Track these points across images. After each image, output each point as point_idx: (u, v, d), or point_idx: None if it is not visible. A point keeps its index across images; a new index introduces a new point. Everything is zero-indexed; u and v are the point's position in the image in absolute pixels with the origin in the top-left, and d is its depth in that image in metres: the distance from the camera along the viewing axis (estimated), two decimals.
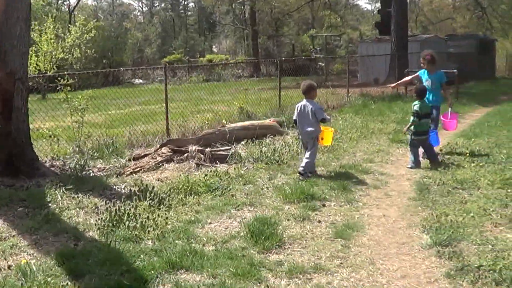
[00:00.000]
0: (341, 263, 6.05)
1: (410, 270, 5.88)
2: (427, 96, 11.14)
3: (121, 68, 31.79)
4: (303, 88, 10.20)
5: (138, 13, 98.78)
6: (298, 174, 9.74)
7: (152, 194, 8.32)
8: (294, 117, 10.34)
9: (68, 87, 12.78)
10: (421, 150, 10.76)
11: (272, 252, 6.36)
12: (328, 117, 10.19)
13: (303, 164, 9.78)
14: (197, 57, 61.99)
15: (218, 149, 11.35)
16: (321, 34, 55.08)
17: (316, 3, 56.18)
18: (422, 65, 11.96)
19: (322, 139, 10.09)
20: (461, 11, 60.15)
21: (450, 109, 12.00)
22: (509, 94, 27.12)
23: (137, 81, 43.40)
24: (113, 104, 18.37)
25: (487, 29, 44.34)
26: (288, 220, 7.48)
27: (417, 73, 12.23)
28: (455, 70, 22.67)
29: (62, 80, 14.73)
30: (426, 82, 11.60)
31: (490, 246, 6.36)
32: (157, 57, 65.86)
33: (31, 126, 10.53)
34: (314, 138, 10.00)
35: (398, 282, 5.60)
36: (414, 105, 10.66)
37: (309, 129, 9.96)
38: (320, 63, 42.63)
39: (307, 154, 9.88)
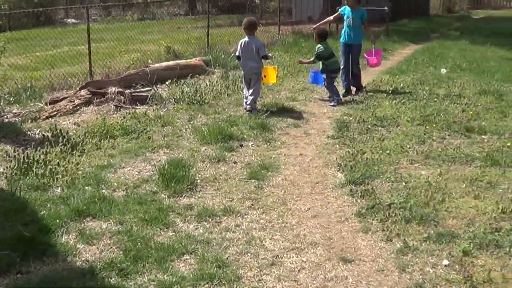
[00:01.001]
0: (252, 204, 5.94)
1: (322, 210, 5.82)
2: (347, 33, 11.53)
3: (41, 9, 30.81)
4: (245, 24, 10.22)
5: None
6: (246, 111, 9.85)
7: (65, 139, 8.02)
8: (237, 53, 10.33)
9: None
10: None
11: (183, 195, 6.21)
12: (270, 54, 10.47)
13: (248, 101, 9.91)
14: None
15: (138, 90, 11.04)
16: None
17: None
18: (346, 1, 11.73)
19: (265, 76, 10.22)
20: None
21: (373, 46, 12.05)
22: (440, 31, 27.23)
23: (70, 20, 42.10)
24: (41, 45, 17.71)
25: None
26: (203, 161, 7.33)
27: (339, 11, 11.99)
28: (385, 8, 22.62)
29: None
30: (348, 20, 11.50)
31: (403, 184, 6.35)
32: None
33: None
34: (257, 73, 10.08)
35: (308, 222, 5.53)
36: (318, 48, 10.90)
37: (252, 64, 10.03)
38: (256, 1, 42.08)
39: (251, 91, 9.96)
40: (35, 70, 14.80)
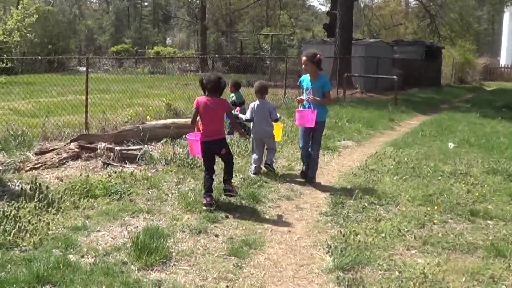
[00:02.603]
0: (227, 286, 5.41)
1: None
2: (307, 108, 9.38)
3: (52, 56, 30.76)
4: (257, 88, 10.11)
5: (94, 0, 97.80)
6: (266, 169, 9.91)
7: (42, 195, 7.55)
8: (249, 117, 10.06)
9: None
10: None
11: (155, 269, 5.68)
12: (278, 115, 10.24)
13: (268, 160, 10.07)
14: (146, 49, 61.15)
15: (129, 148, 10.60)
16: (268, 33, 54.49)
17: (271, 2, 55.89)
18: (303, 66, 9.47)
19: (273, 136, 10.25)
20: (411, 17, 60.42)
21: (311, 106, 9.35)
22: (450, 102, 26.99)
23: (82, 68, 42.26)
24: (47, 92, 17.55)
25: (434, 36, 44.39)
26: (183, 231, 6.81)
27: (298, 82, 9.98)
28: (394, 77, 22.37)
29: (1, 63, 13.95)
30: (307, 92, 9.41)
31: (396, 273, 5.81)
32: (110, 45, 65.07)
33: None
34: (271, 136, 10.12)
35: None
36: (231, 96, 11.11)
37: (267, 128, 10.04)
38: (267, 62, 42.12)
39: (269, 151, 10.14)
40: (34, 116, 14.51)
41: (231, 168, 8.23)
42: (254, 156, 10.04)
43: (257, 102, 10.02)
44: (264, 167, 9.99)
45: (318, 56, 9.30)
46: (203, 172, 8.24)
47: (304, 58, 9.39)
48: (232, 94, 13.11)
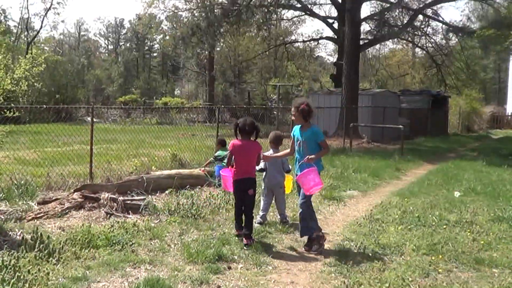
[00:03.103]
0: None
1: None
2: (299, 161, 8.66)
3: (58, 105, 30.90)
4: (272, 138, 10.24)
5: (104, 50, 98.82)
6: (283, 223, 9.90)
7: (43, 245, 7.50)
8: (262, 166, 9.96)
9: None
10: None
11: None
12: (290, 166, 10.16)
13: (283, 214, 10.09)
14: (154, 99, 61.55)
15: (132, 198, 10.55)
16: (276, 83, 54.75)
17: (278, 53, 56.31)
18: (292, 117, 8.99)
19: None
20: (417, 67, 60.72)
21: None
22: (457, 151, 26.93)
23: (89, 119, 42.44)
24: (53, 141, 17.60)
25: (441, 86, 44.54)
26: (185, 283, 6.73)
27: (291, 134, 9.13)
28: (401, 126, 22.37)
29: (8, 112, 14.02)
30: (297, 143, 8.75)
31: None
32: (118, 95, 65.53)
33: None
34: (283, 187, 10.13)
35: None
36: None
37: (280, 178, 10.10)
38: (274, 112, 42.23)
39: (280, 204, 10.12)
40: (38, 166, 14.53)
41: (251, 213, 8.73)
42: (263, 204, 10.05)
43: (270, 151, 10.09)
44: (282, 222, 9.96)
45: (303, 105, 8.54)
46: (234, 208, 9.14)
47: (292, 108, 8.80)
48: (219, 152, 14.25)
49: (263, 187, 10.23)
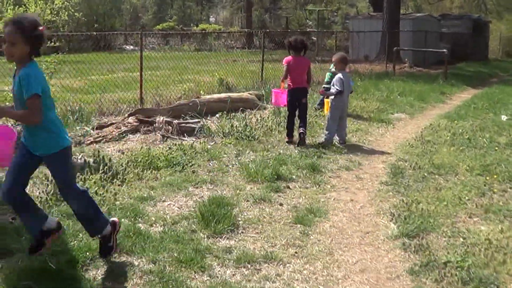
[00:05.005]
0: (296, 252, 5.50)
1: (371, 264, 5.34)
2: None
3: (95, 32, 31.02)
4: (342, 58, 10.50)
5: None
6: (341, 144, 10.13)
7: (107, 167, 7.74)
8: (340, 88, 10.15)
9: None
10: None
11: (223, 237, 5.80)
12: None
13: (344, 134, 10.38)
14: (191, 26, 61.21)
15: (187, 121, 10.72)
16: (314, 8, 54.09)
17: None
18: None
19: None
20: None
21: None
22: (499, 76, 26.66)
23: (129, 47, 42.52)
24: (96, 69, 17.75)
25: (481, 10, 43.66)
26: (247, 201, 6.93)
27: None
28: (445, 50, 22.16)
29: (49, 42, 14.16)
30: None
31: (461, 240, 5.83)
32: (153, 23, 65.08)
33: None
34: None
35: (355, 276, 5.07)
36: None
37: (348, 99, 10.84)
38: (313, 38, 41.88)
39: (343, 127, 10.42)
40: (87, 93, 14.75)
41: (306, 117, 10.21)
42: (334, 126, 10.16)
43: (342, 75, 10.22)
44: (341, 143, 10.11)
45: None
46: (286, 117, 10.38)
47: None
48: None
49: (332, 110, 10.27)
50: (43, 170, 7.64)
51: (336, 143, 10.11)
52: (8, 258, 5.07)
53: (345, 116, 10.43)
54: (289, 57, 10.05)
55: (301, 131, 9.86)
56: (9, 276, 4.72)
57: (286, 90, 10.18)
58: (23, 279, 4.63)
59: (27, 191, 5.12)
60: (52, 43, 14.19)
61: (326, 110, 10.69)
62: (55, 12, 31.01)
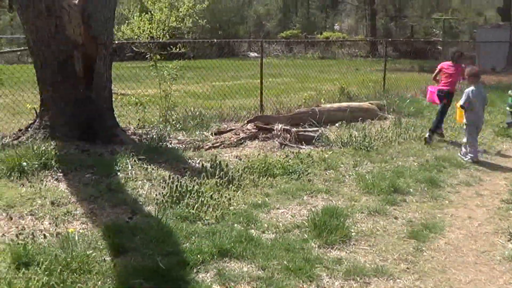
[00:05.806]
0: (407, 268, 5.37)
1: (484, 285, 5.14)
2: None
3: (216, 39, 31.57)
4: (474, 72, 10.13)
5: None
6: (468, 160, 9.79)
7: (222, 172, 7.86)
8: (461, 103, 9.97)
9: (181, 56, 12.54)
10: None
11: (334, 247, 5.76)
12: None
13: (480, 152, 10.17)
14: (315, 34, 61.32)
15: (305, 129, 10.72)
16: (440, 17, 52.93)
17: None
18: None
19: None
20: None
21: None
22: None
23: (253, 54, 43.12)
24: (219, 76, 18.10)
25: None
26: (362, 213, 6.84)
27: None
28: None
29: (174, 48, 14.59)
30: None
31: None
32: (277, 31, 65.63)
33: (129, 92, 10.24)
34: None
35: None
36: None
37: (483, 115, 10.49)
38: (438, 47, 41.06)
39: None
40: (208, 99, 15.00)
41: (437, 119, 11.29)
42: (474, 142, 9.88)
43: (472, 87, 9.87)
44: (473, 161, 9.69)
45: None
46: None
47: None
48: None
49: (468, 126, 9.99)
50: (160, 173, 7.89)
51: (468, 159, 9.78)
52: (122, 256, 5.23)
53: (479, 130, 10.19)
54: (444, 63, 11.52)
55: (429, 135, 10.91)
56: (121, 273, 4.87)
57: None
58: (134, 277, 4.76)
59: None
60: (177, 49, 14.55)
61: (459, 118, 10.60)
62: (179, 19, 31.85)
